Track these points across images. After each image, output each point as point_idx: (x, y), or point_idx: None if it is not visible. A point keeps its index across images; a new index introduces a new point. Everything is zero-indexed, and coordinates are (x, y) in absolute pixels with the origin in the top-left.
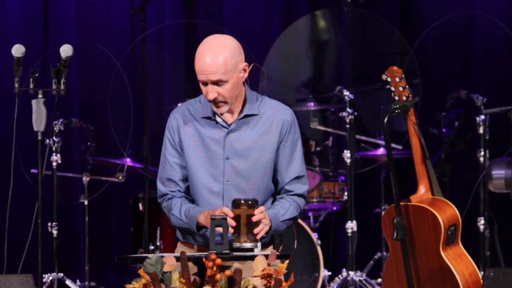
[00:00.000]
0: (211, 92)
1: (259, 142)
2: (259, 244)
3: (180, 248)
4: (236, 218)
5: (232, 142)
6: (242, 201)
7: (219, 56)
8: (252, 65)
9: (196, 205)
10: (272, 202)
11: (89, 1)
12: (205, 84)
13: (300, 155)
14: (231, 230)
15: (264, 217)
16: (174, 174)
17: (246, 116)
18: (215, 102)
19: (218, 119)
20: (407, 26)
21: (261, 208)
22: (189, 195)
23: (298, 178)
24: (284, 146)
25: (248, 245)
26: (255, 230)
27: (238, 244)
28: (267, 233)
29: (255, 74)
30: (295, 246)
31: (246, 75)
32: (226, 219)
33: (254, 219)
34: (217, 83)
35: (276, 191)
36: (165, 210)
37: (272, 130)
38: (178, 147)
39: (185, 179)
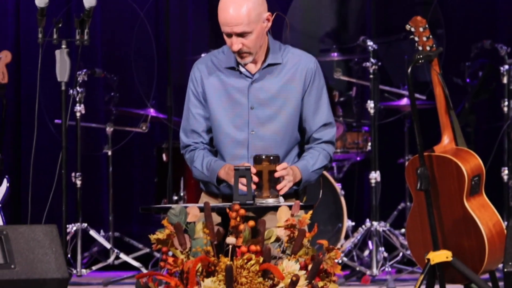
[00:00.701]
0: (236, 43)
1: (283, 90)
2: (281, 199)
3: (204, 198)
4: (258, 174)
5: (256, 91)
6: (264, 157)
7: (242, 7)
8: (275, 14)
9: (220, 156)
10: (299, 153)
11: None
12: (229, 35)
13: (327, 102)
14: (253, 186)
15: (287, 173)
16: (197, 125)
17: (270, 65)
18: (239, 53)
19: (242, 69)
20: None
21: (283, 164)
22: (213, 146)
23: (325, 125)
24: (310, 94)
25: (270, 200)
26: (278, 186)
27: (261, 199)
28: (297, 185)
29: (278, 24)
30: (319, 196)
31: (269, 24)
32: (250, 169)
33: (276, 175)
34: (241, 34)
35: (304, 140)
36: (187, 161)
37: (295, 78)
38: (201, 98)
39: (209, 131)
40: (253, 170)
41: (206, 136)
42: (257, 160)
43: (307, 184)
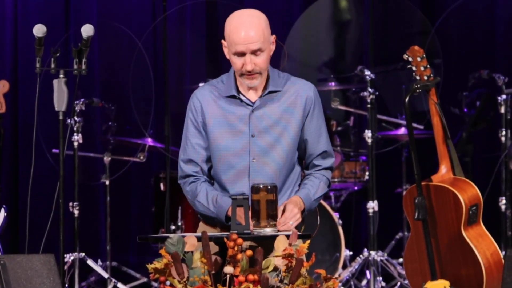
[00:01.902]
0: (249, 63)
1: (284, 117)
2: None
3: (201, 228)
4: (256, 203)
5: (257, 119)
6: (261, 186)
7: (257, 25)
8: (275, 36)
9: (219, 185)
10: (296, 178)
11: None
12: (242, 55)
13: (326, 130)
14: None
15: (296, 216)
16: (196, 156)
17: (270, 92)
18: (250, 73)
19: (242, 97)
20: (429, 5)
21: (290, 211)
22: (211, 177)
23: (326, 153)
24: (311, 121)
25: (268, 230)
26: (282, 227)
27: (258, 229)
28: (302, 212)
29: (275, 52)
30: (317, 225)
31: (273, 47)
32: (247, 199)
33: (282, 227)
34: (255, 52)
35: (300, 166)
36: (187, 194)
37: (296, 105)
38: (201, 128)
39: (207, 161)
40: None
41: (205, 166)
42: (255, 189)
43: (308, 213)
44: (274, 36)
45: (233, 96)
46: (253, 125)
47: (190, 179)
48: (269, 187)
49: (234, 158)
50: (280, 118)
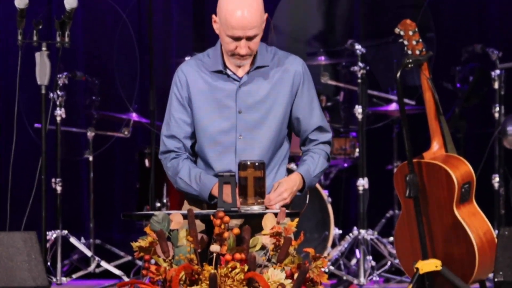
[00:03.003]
0: (244, 47)
1: (272, 94)
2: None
3: (187, 205)
4: (243, 180)
5: (244, 95)
6: (249, 163)
7: (255, 9)
8: (267, 15)
9: (204, 163)
10: (284, 156)
11: None
12: (238, 39)
13: (319, 104)
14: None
15: (282, 198)
16: (179, 131)
17: (258, 67)
18: (243, 56)
19: (229, 72)
20: None
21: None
22: (193, 154)
23: (321, 129)
24: (301, 97)
25: (255, 207)
26: (271, 206)
27: (245, 207)
28: (300, 191)
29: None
30: (306, 203)
31: (264, 25)
32: (234, 176)
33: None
34: (252, 37)
35: (289, 144)
36: (168, 170)
37: (284, 81)
38: (185, 103)
39: (190, 137)
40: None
41: (188, 143)
42: (242, 166)
43: (309, 189)
44: (266, 14)
45: (219, 71)
46: (240, 101)
47: (171, 154)
48: (256, 163)
49: (220, 135)
50: (268, 94)
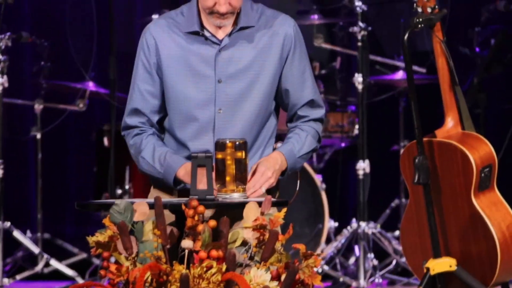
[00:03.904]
0: (224, 3)
1: (257, 60)
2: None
3: (154, 193)
4: (221, 162)
5: (224, 61)
6: (228, 142)
7: None
8: None
9: (175, 141)
10: (271, 133)
11: None
12: None
13: (311, 75)
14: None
15: (266, 177)
16: (144, 104)
17: (241, 29)
18: (223, 14)
19: (207, 33)
20: None
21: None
22: (162, 131)
23: (312, 103)
24: (292, 65)
25: (235, 195)
26: (251, 194)
27: (224, 194)
28: (282, 174)
29: None
30: (296, 189)
31: None
32: (211, 157)
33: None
34: None
35: (276, 119)
36: (130, 148)
37: (272, 45)
38: (153, 71)
39: (159, 111)
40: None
41: (154, 117)
42: (220, 146)
43: (291, 172)
44: None
45: (195, 33)
46: (220, 68)
47: (134, 130)
48: (237, 143)
49: (196, 109)
50: (253, 61)
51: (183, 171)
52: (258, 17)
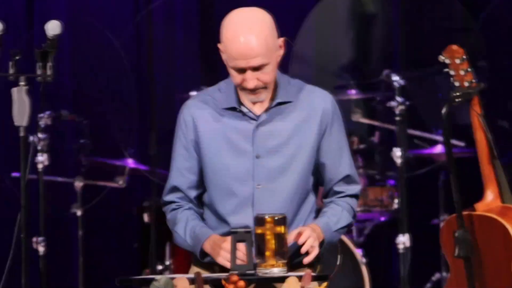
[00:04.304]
0: (251, 79)
1: (296, 135)
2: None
3: (194, 269)
4: (260, 237)
5: (263, 136)
6: (267, 217)
7: (258, 34)
8: (284, 39)
9: (218, 216)
10: (311, 208)
11: None
12: (242, 71)
13: (348, 150)
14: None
15: (312, 240)
16: (182, 181)
17: (279, 104)
18: (254, 90)
19: (245, 109)
20: None
21: (303, 231)
22: (201, 206)
23: (348, 178)
24: (330, 139)
25: (275, 270)
26: (306, 260)
27: (263, 269)
28: (320, 246)
29: (285, 54)
30: (337, 264)
31: (282, 52)
32: (250, 232)
33: (303, 250)
34: (258, 68)
35: (315, 192)
36: (168, 223)
37: (310, 120)
38: (191, 148)
39: (196, 186)
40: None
41: (191, 193)
42: (259, 221)
43: (328, 246)
44: (282, 39)
45: (233, 109)
46: (258, 143)
47: (171, 206)
48: (276, 218)
49: (235, 184)
50: (291, 136)
51: (207, 243)
52: (296, 92)
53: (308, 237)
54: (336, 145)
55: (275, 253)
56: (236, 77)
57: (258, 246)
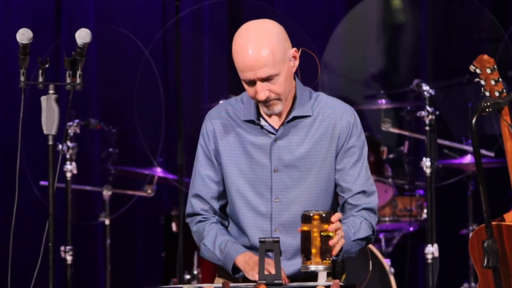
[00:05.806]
0: (262, 91)
1: (314, 149)
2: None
3: (219, 279)
4: (305, 234)
5: (280, 150)
6: (314, 214)
7: (264, 45)
8: (300, 49)
9: (238, 227)
10: None
11: None
12: (252, 83)
13: (365, 165)
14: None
15: (340, 228)
16: (205, 190)
17: (295, 118)
18: (267, 102)
19: (263, 122)
20: (501, 6)
21: (338, 214)
22: (225, 215)
23: (365, 192)
24: (347, 152)
25: (321, 267)
26: (331, 242)
27: (309, 266)
28: (337, 255)
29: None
30: (368, 274)
31: (297, 63)
32: (278, 241)
33: (331, 228)
34: (267, 79)
35: (336, 205)
36: (194, 235)
37: (328, 134)
38: (213, 157)
39: (219, 197)
40: (284, 275)
41: (216, 204)
42: (306, 218)
43: (346, 256)
44: (294, 49)
45: (252, 121)
46: (275, 157)
47: (197, 217)
48: (324, 214)
49: (253, 197)
50: (309, 151)
51: (242, 258)
52: (315, 105)
53: (340, 227)
54: (353, 158)
55: (321, 250)
56: (249, 90)
57: (304, 243)
